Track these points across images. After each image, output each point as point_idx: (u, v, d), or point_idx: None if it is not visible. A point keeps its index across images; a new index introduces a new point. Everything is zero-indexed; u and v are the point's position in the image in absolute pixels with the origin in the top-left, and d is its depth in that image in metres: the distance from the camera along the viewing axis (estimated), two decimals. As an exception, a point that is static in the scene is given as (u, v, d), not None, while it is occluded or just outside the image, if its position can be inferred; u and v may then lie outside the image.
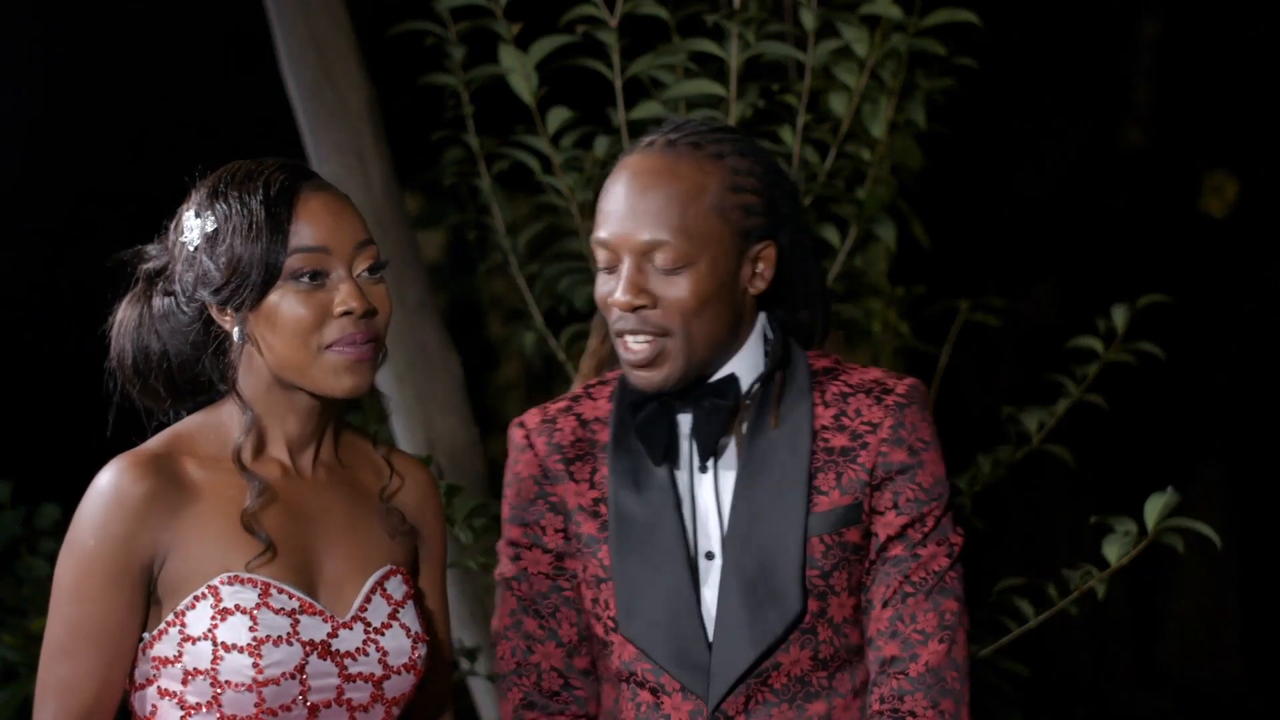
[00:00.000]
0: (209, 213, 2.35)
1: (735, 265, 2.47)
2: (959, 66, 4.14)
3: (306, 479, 2.42)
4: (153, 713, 2.35)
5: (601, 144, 4.16)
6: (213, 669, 2.30)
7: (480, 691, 4.39)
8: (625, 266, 2.44)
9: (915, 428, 2.48)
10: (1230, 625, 8.04)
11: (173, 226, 2.41)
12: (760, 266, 2.49)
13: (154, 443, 2.37)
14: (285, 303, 2.33)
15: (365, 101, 4.41)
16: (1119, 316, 3.93)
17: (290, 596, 2.34)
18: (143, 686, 2.35)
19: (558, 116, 4.13)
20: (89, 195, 6.09)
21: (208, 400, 2.44)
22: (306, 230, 2.34)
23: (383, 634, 2.40)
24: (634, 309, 2.44)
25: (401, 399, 4.36)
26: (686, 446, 2.50)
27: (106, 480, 2.31)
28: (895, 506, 2.47)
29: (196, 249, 2.35)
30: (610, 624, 2.49)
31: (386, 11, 4.40)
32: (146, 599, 2.33)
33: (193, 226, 2.36)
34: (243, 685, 2.30)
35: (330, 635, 2.36)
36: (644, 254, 2.44)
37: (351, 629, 2.38)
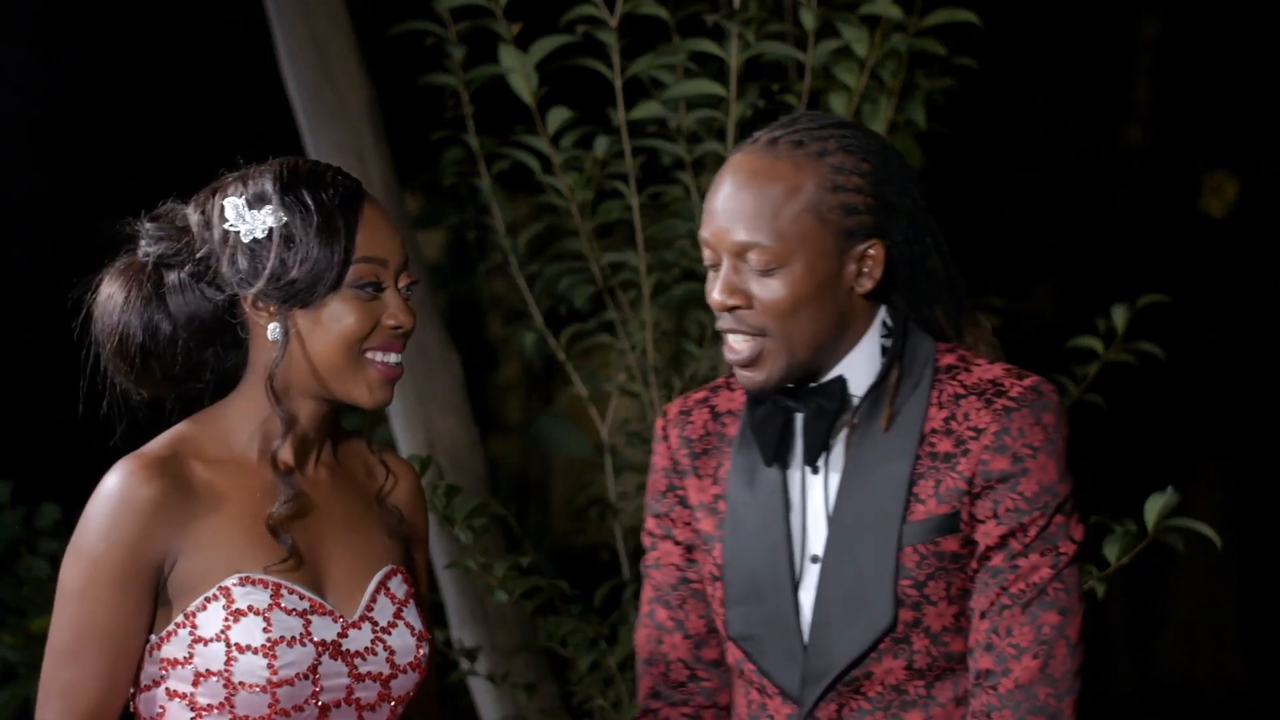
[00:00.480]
0: (275, 206, 2.33)
1: (836, 265, 2.42)
2: (959, 66, 4.14)
3: (310, 480, 2.42)
4: (160, 714, 2.34)
5: (601, 144, 4.16)
6: (226, 670, 2.29)
7: (480, 691, 4.39)
8: (723, 266, 2.43)
9: (1023, 433, 2.39)
10: (1230, 625, 8.04)
11: (198, 211, 2.38)
12: (867, 265, 2.43)
13: (159, 445, 2.36)
14: (341, 309, 2.34)
15: (365, 101, 4.41)
16: (1119, 316, 3.93)
17: (301, 597, 2.34)
18: (149, 688, 2.35)
19: (558, 116, 4.13)
20: (89, 195, 6.09)
21: (194, 391, 2.42)
22: (369, 240, 2.35)
23: (389, 633, 2.40)
24: (728, 309, 2.43)
25: (401, 399, 4.36)
26: (801, 446, 2.47)
27: (114, 483, 2.30)
28: (995, 516, 2.39)
29: (258, 241, 2.33)
30: (723, 623, 2.50)
31: (386, 11, 4.40)
32: (154, 601, 2.33)
33: (250, 218, 2.34)
34: (257, 686, 2.30)
35: (340, 635, 2.36)
36: (739, 254, 2.42)
37: (360, 628, 2.38)
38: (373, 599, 2.41)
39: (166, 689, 2.33)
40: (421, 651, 2.42)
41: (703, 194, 4.14)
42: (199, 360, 2.41)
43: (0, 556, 4.97)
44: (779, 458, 2.46)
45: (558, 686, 4.42)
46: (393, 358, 2.38)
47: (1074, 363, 4.07)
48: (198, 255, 2.37)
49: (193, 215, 2.39)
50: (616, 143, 4.14)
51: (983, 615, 2.40)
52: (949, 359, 2.47)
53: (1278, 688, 7.92)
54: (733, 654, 2.50)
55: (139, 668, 2.35)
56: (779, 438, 2.46)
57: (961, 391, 2.43)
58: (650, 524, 2.58)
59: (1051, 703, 2.38)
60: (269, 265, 2.32)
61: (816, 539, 2.45)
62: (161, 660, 2.33)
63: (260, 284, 2.33)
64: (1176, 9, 7.52)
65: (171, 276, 2.39)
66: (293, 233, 2.33)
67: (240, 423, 2.39)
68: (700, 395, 2.58)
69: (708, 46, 4.00)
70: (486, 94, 4.26)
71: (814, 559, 2.45)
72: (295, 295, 2.33)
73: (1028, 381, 2.42)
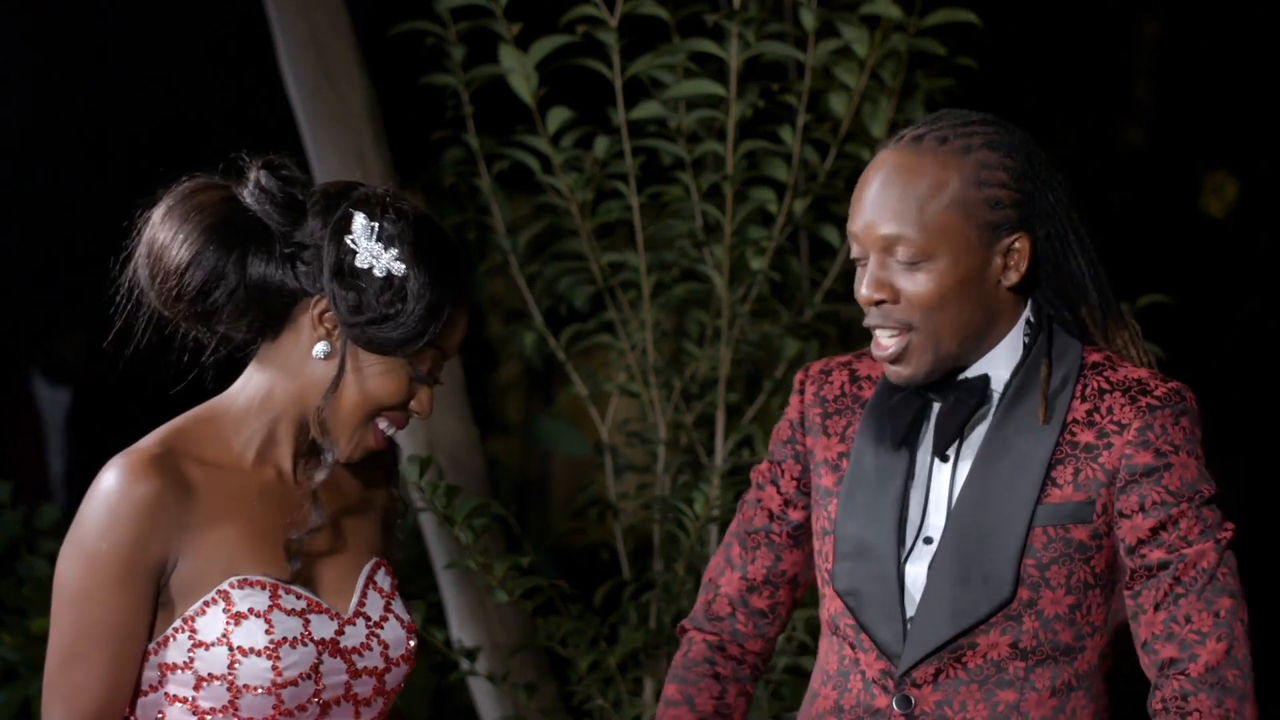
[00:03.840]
0: (404, 258, 2.33)
1: (982, 260, 2.46)
2: (959, 66, 4.14)
3: (298, 481, 2.42)
4: (160, 719, 2.34)
5: (601, 144, 4.16)
6: (230, 674, 2.29)
7: (480, 691, 4.39)
8: (870, 261, 2.47)
9: (1165, 431, 2.45)
10: (1230, 625, 8.03)
11: (321, 211, 2.35)
12: (1012, 259, 2.48)
13: (153, 441, 2.35)
14: (389, 375, 2.36)
15: (365, 101, 4.41)
16: (1119, 316, 3.92)
17: (298, 597, 2.34)
18: (146, 693, 2.34)
19: (558, 116, 4.13)
20: (88, 196, 6.09)
21: (205, 335, 2.38)
22: (451, 339, 2.38)
23: (381, 627, 2.41)
24: (875, 303, 2.47)
25: (401, 399, 4.35)
26: (928, 431, 2.51)
27: (111, 481, 2.29)
28: (1143, 509, 2.45)
29: (367, 272, 2.33)
30: (826, 575, 2.54)
31: (386, 11, 4.40)
32: (155, 601, 2.32)
33: (374, 250, 2.34)
34: (262, 688, 2.30)
35: (337, 632, 2.36)
36: (885, 249, 2.45)
37: (355, 624, 2.39)
38: (364, 594, 2.42)
39: (166, 694, 2.33)
40: (411, 643, 2.44)
41: (703, 194, 4.15)
42: (237, 317, 2.35)
43: (0, 556, 4.96)
44: (906, 440, 2.51)
45: (558, 686, 4.42)
46: (392, 431, 2.41)
47: (1074, 363, 4.06)
48: (296, 239, 2.35)
49: (314, 205, 2.36)
50: (616, 143, 4.14)
51: (1157, 608, 2.47)
52: (1096, 357, 2.53)
53: (1278, 687, 7.92)
54: (831, 608, 2.54)
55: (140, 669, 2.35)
56: (911, 423, 2.51)
57: (1107, 387, 2.49)
58: (764, 466, 2.64)
59: (1240, 684, 2.45)
60: (368, 302, 2.32)
61: (933, 522, 2.49)
62: (160, 665, 2.32)
63: (344, 305, 2.32)
64: (1176, 9, 7.52)
65: (263, 238, 2.34)
66: (407, 293, 2.33)
67: (239, 422, 2.38)
68: (844, 359, 2.64)
69: (708, 46, 4.00)
70: (486, 94, 4.26)
71: (927, 540, 2.49)
72: (367, 340, 2.33)
73: (1172, 384, 2.49)
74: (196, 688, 2.31)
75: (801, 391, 2.63)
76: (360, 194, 2.37)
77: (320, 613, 2.36)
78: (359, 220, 2.35)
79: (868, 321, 2.48)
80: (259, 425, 2.39)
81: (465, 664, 4.03)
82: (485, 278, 6.06)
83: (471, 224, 4.53)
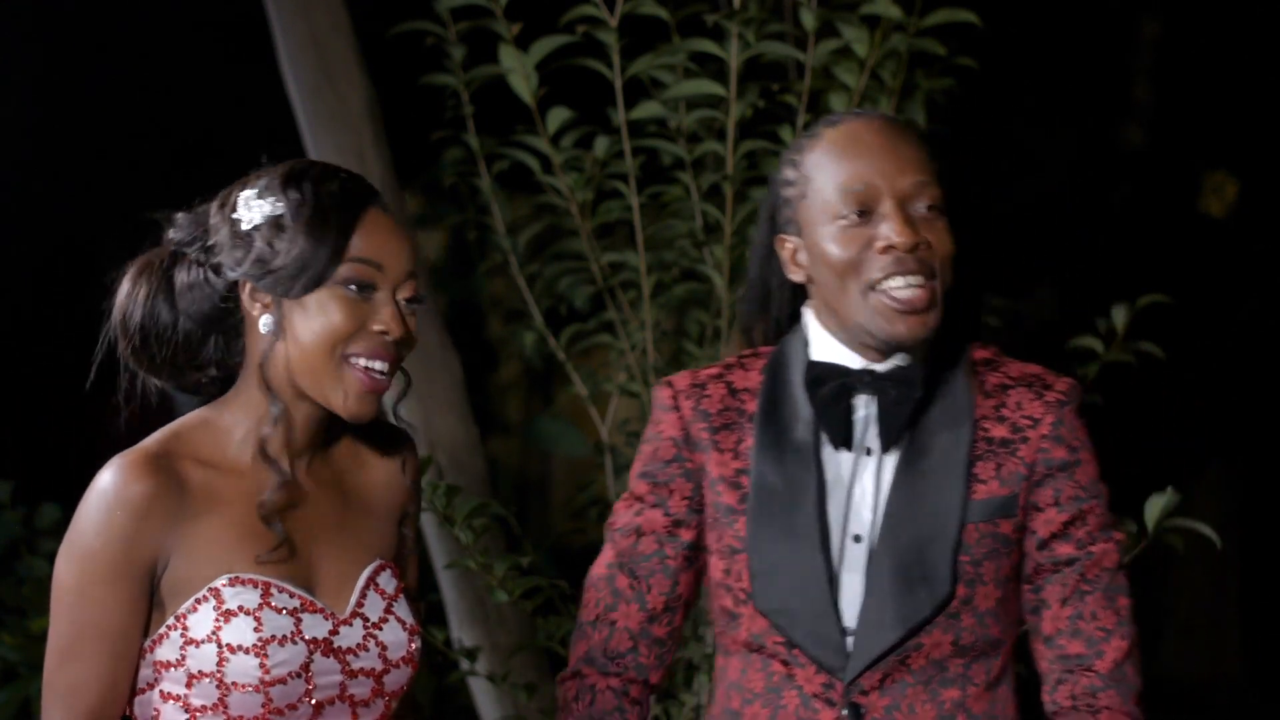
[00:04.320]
0: (277, 197, 2.35)
1: None
2: (959, 66, 4.14)
3: (299, 481, 2.42)
4: (155, 717, 2.34)
5: (601, 144, 4.16)
6: (218, 671, 2.30)
7: (480, 691, 4.39)
8: (890, 208, 2.44)
9: (1074, 426, 2.49)
10: (1230, 625, 8.04)
11: (218, 204, 2.40)
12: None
13: (152, 442, 2.36)
14: (327, 304, 2.34)
15: (365, 101, 4.41)
16: (1119, 316, 3.93)
17: (291, 595, 2.34)
18: (143, 691, 2.35)
19: (558, 116, 4.13)
20: (89, 196, 6.09)
21: (195, 383, 2.43)
22: (367, 242, 2.36)
23: (380, 629, 2.41)
24: (912, 248, 2.43)
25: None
26: (860, 428, 2.49)
27: (107, 480, 2.30)
28: (1057, 504, 2.48)
29: (254, 229, 2.35)
30: (741, 595, 2.49)
31: (386, 11, 4.40)
32: (149, 599, 2.33)
33: (253, 206, 2.36)
34: (249, 686, 2.30)
35: (331, 632, 2.36)
36: (909, 196, 2.45)
37: (351, 625, 2.38)
38: (363, 595, 2.41)
39: (160, 691, 2.33)
40: (413, 645, 2.43)
41: (703, 194, 4.14)
42: (199, 351, 2.41)
43: (0, 556, 4.97)
44: (848, 440, 2.48)
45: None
46: (377, 365, 2.37)
47: (1074, 363, 4.07)
48: (208, 244, 2.39)
49: (213, 207, 2.41)
50: (616, 143, 4.14)
51: (1064, 603, 2.48)
52: (984, 353, 2.55)
53: (1277, 688, 7.92)
54: (752, 628, 2.49)
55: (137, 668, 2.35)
56: (846, 422, 2.48)
57: (1008, 382, 2.51)
58: (641, 489, 2.56)
59: (1137, 680, 2.48)
60: (265, 252, 2.34)
61: (860, 520, 2.48)
62: (154, 663, 2.33)
63: (248, 267, 2.34)
64: (1176, 9, 7.51)
65: (183, 265, 2.41)
66: (284, 222, 2.34)
67: (236, 423, 2.39)
68: (712, 371, 2.58)
69: (708, 46, 4.00)
70: (486, 94, 4.26)
71: (856, 538, 2.47)
72: (280, 283, 2.34)
73: (1067, 379, 2.53)
74: (188, 685, 2.31)
75: (677, 408, 2.56)
76: (248, 176, 2.41)
77: (314, 612, 2.35)
78: (242, 195, 2.38)
79: (890, 270, 2.43)
80: (250, 423, 2.39)
81: (465, 664, 4.03)
82: (485, 278, 6.06)
83: (471, 224, 4.53)
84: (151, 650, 2.33)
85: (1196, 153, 7.67)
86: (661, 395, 2.57)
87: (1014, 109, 7.27)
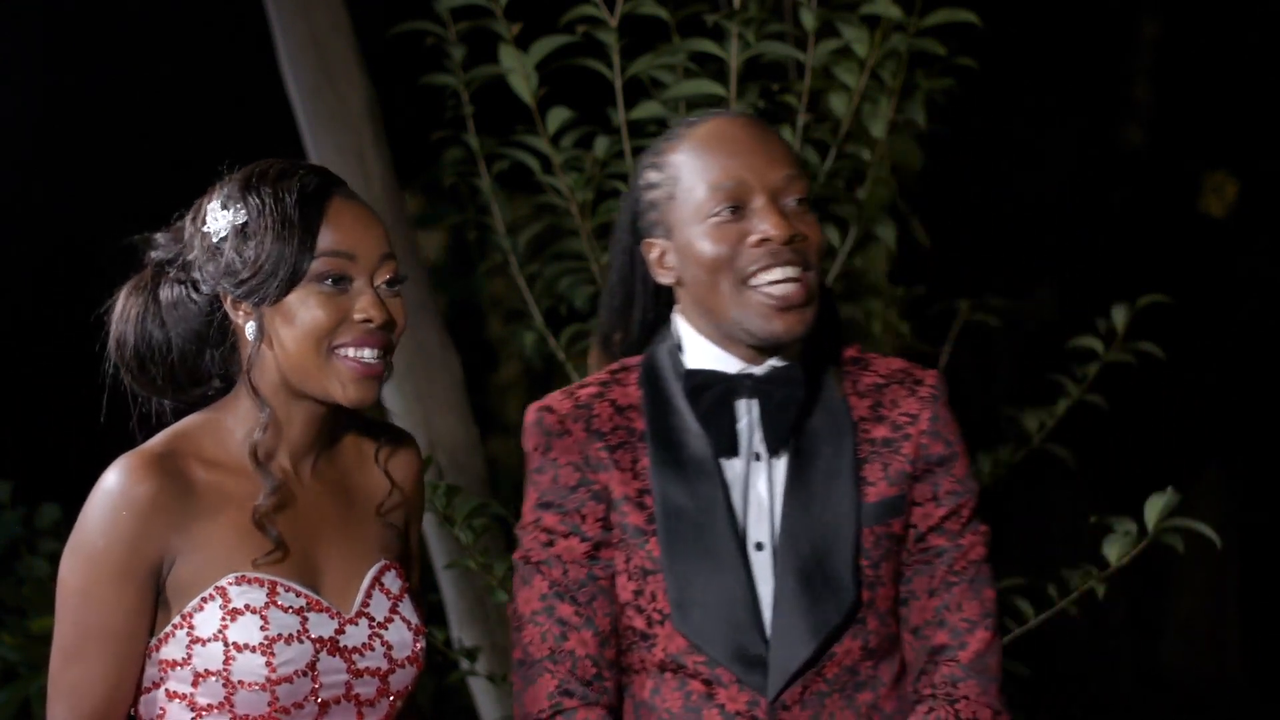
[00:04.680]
0: (239, 205, 2.35)
1: None
2: (959, 66, 4.14)
3: (303, 479, 2.43)
4: (161, 715, 2.35)
5: (601, 144, 4.16)
6: (225, 670, 2.30)
7: (480, 691, 4.39)
8: (763, 203, 2.44)
9: (947, 421, 2.52)
10: (1230, 625, 8.04)
11: (191, 217, 2.41)
12: None
13: (157, 443, 2.37)
14: (305, 303, 2.34)
15: (365, 101, 4.41)
16: (1119, 316, 3.93)
17: (297, 594, 2.35)
18: (148, 690, 2.36)
19: (558, 116, 4.13)
20: (89, 196, 6.09)
21: (201, 395, 2.44)
22: (335, 235, 2.35)
23: (386, 628, 2.41)
24: (790, 239, 2.43)
25: (401, 399, 4.36)
26: (745, 435, 2.48)
27: (113, 480, 2.31)
28: (935, 498, 2.49)
29: (222, 240, 2.35)
30: (657, 616, 2.46)
31: (386, 11, 4.40)
32: (154, 599, 2.33)
33: (219, 218, 2.36)
34: (256, 685, 2.30)
35: (337, 631, 2.36)
36: (780, 191, 2.45)
37: (357, 624, 2.39)
38: (368, 594, 2.41)
39: (166, 690, 2.34)
40: (419, 645, 2.43)
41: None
42: (197, 366, 2.42)
43: (0, 556, 4.97)
44: (735, 447, 2.46)
45: (558, 686, 4.41)
46: (366, 353, 2.36)
47: (1074, 363, 4.07)
48: (186, 260, 2.39)
49: (186, 222, 2.41)
50: (616, 143, 4.14)
51: (931, 594, 2.49)
52: (850, 352, 2.56)
53: (1278, 688, 7.92)
54: (669, 648, 2.46)
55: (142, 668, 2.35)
56: (731, 429, 2.46)
57: (880, 381, 2.52)
58: (550, 521, 2.50)
59: (997, 670, 2.50)
60: (236, 261, 2.34)
61: (759, 527, 2.46)
62: (160, 662, 2.33)
63: (222, 281, 2.35)
64: (1176, 9, 7.51)
65: (166, 284, 2.42)
66: (249, 230, 2.34)
67: (235, 425, 2.40)
68: (590, 390, 2.54)
69: (708, 46, 3.99)
70: (486, 94, 4.26)
71: (758, 546, 2.46)
72: (254, 290, 2.34)
73: (933, 372, 2.54)
74: (194, 684, 2.32)
75: (568, 431, 2.51)
76: (213, 187, 2.41)
77: (320, 611, 2.36)
78: (209, 206, 2.38)
79: (767, 263, 2.43)
80: (249, 426, 2.40)
81: (465, 664, 4.03)
82: (485, 278, 6.05)
83: (471, 224, 4.53)
84: (157, 649, 2.33)
85: (1196, 153, 7.67)
86: (546, 420, 2.52)
87: (1014, 109, 7.27)
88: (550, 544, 2.50)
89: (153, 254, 2.44)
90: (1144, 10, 7.60)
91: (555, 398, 2.53)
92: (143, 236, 2.45)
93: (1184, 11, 7.48)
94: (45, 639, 4.32)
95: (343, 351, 2.36)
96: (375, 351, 2.37)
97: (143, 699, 2.36)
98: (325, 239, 2.35)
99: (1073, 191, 7.54)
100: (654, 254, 2.51)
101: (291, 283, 2.34)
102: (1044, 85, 7.36)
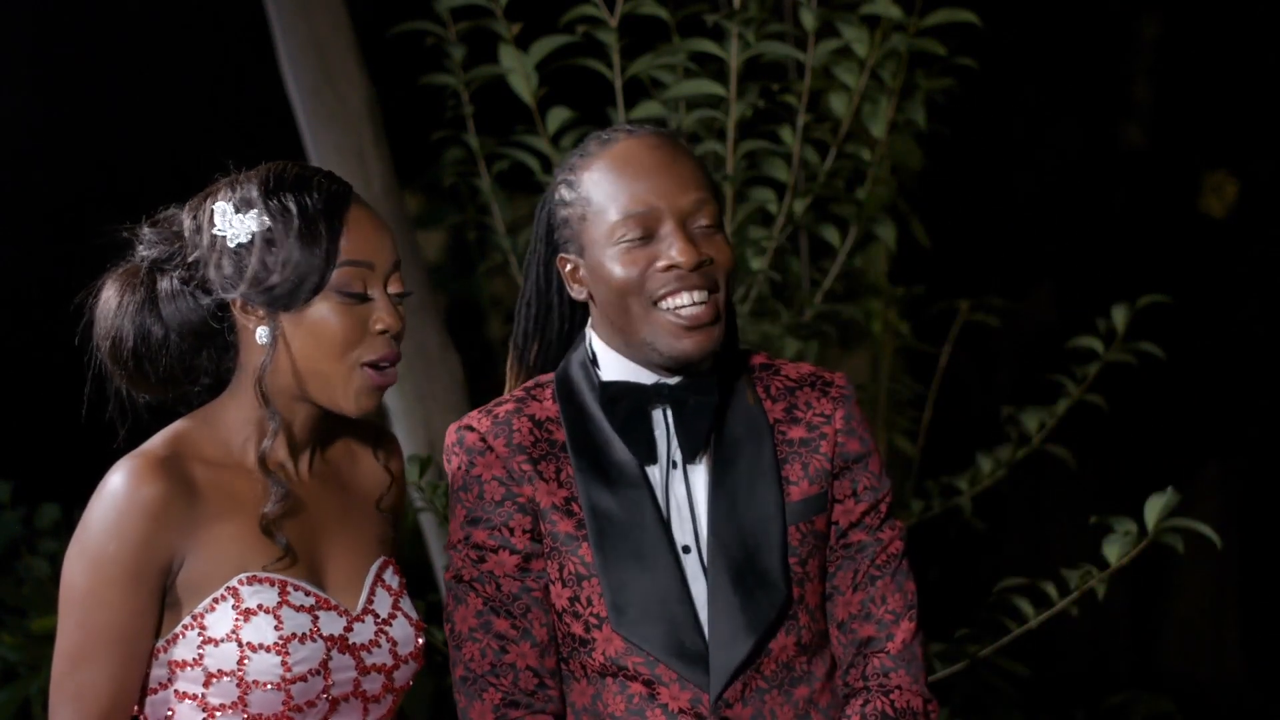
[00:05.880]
0: (259, 211, 2.34)
1: None
2: (959, 66, 4.14)
3: (302, 479, 2.43)
4: (170, 716, 2.34)
5: (601, 144, 4.15)
6: (239, 669, 2.30)
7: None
8: (671, 228, 2.47)
9: (860, 419, 2.58)
10: (1230, 625, 8.04)
11: (190, 215, 2.39)
12: None
13: (159, 444, 2.36)
14: (328, 313, 2.34)
15: (365, 101, 4.41)
16: (1119, 316, 3.93)
17: (307, 593, 2.35)
18: (155, 691, 2.35)
19: (558, 116, 4.13)
20: (89, 195, 6.09)
21: (187, 393, 2.43)
22: (355, 244, 2.36)
23: (390, 624, 2.42)
24: (698, 265, 2.46)
25: (401, 399, 4.36)
26: (663, 442, 2.51)
27: (118, 483, 2.30)
28: (854, 494, 2.56)
29: (243, 246, 2.34)
30: (594, 620, 2.49)
31: (386, 11, 4.40)
32: (161, 601, 2.33)
33: (235, 222, 2.35)
34: (271, 684, 2.30)
35: (346, 629, 2.37)
36: (689, 214, 2.48)
37: (364, 621, 2.40)
38: (372, 591, 2.42)
39: (175, 691, 2.33)
40: (420, 641, 2.45)
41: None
42: (192, 363, 2.42)
43: (0, 556, 4.97)
44: (653, 454, 2.50)
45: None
46: (386, 366, 2.39)
47: (1074, 363, 4.07)
48: (189, 260, 2.38)
49: (186, 220, 2.40)
50: (617, 143, 4.13)
51: (855, 588, 2.55)
52: (759, 358, 2.61)
53: (1278, 688, 7.92)
54: (608, 651, 2.48)
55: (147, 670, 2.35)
56: (649, 436, 2.50)
57: (791, 384, 2.58)
58: (479, 537, 2.50)
59: (922, 657, 2.55)
60: (251, 269, 2.33)
61: (684, 531, 2.50)
62: (169, 663, 2.33)
63: (244, 288, 2.34)
64: (1176, 9, 7.51)
65: (164, 281, 2.40)
66: (274, 237, 2.33)
67: (235, 425, 2.40)
68: (508, 406, 2.56)
69: (708, 46, 4.00)
70: (486, 94, 4.26)
71: (685, 549, 2.49)
72: (278, 299, 2.33)
73: (840, 375, 2.61)
74: (206, 684, 2.31)
75: (490, 447, 2.51)
76: (215, 186, 2.41)
77: (329, 609, 2.36)
78: (217, 208, 2.37)
79: (675, 287, 2.46)
80: (250, 426, 2.40)
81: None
82: (485, 278, 6.05)
83: (471, 224, 4.53)
84: (165, 650, 2.33)
85: (1196, 153, 7.66)
86: (467, 439, 2.52)
87: (1014, 109, 7.27)
88: (481, 560, 2.50)
89: (142, 249, 2.42)
90: (1144, 10, 7.60)
91: (474, 416, 2.55)
92: (129, 228, 2.44)
93: (1184, 11, 7.48)
94: (45, 639, 4.32)
95: (367, 366, 2.37)
96: (392, 361, 2.39)
97: (150, 700, 2.35)
98: (346, 247, 2.35)
99: (1073, 191, 7.54)
100: (568, 269, 2.56)
101: (315, 291, 2.34)
102: (1044, 85, 7.35)
